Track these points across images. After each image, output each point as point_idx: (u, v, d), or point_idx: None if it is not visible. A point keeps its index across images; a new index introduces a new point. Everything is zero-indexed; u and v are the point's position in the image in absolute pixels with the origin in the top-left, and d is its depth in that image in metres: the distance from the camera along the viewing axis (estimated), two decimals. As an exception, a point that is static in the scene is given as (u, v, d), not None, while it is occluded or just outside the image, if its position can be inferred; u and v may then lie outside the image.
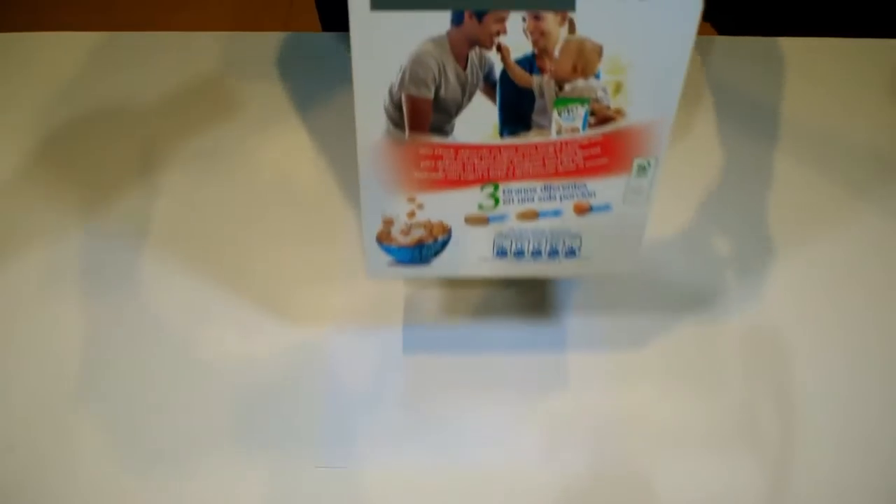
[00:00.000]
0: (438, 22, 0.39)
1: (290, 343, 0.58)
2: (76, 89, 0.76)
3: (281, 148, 0.71)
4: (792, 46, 0.81)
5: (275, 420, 0.54)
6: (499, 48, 0.40)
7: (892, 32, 0.83)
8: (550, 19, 0.39)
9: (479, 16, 0.39)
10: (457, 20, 0.39)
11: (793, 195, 0.68)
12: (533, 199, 0.46)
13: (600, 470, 0.52)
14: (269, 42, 0.81)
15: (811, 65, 0.79)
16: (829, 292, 0.61)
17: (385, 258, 0.49)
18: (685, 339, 0.58)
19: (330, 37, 0.84)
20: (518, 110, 0.42)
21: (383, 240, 0.48)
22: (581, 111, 0.42)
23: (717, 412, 0.55)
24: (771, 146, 0.69)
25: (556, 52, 0.40)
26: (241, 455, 0.53)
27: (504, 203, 0.46)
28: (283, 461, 0.52)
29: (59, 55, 0.80)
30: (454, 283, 0.60)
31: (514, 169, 0.45)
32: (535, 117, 0.42)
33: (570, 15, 0.39)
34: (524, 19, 0.39)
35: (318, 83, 0.78)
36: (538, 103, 0.42)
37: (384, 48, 0.39)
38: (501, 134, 0.43)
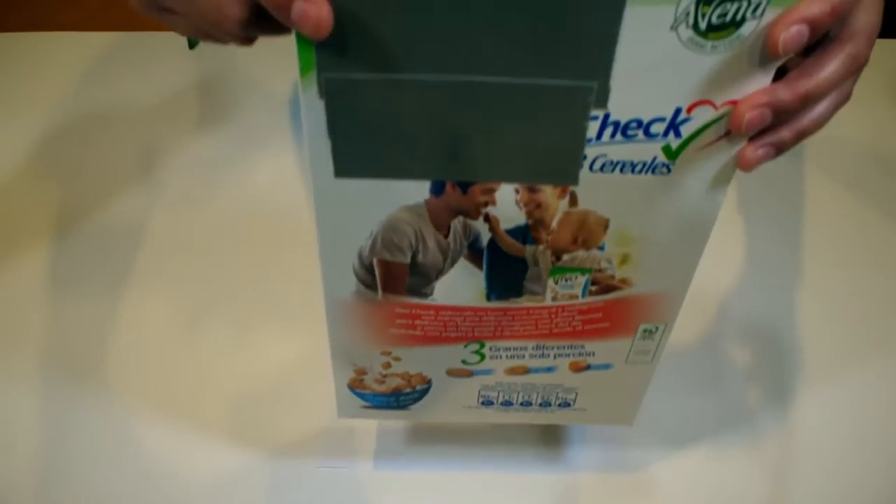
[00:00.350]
0: (414, 191, 0.33)
1: (283, 352, 0.57)
2: (76, 89, 0.77)
3: (281, 149, 0.71)
4: None
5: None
6: (486, 218, 0.34)
7: (893, 32, 0.80)
8: (548, 191, 0.33)
9: (464, 186, 0.33)
10: (436, 190, 0.33)
11: (792, 194, 0.68)
12: (524, 357, 0.41)
13: None
14: (268, 42, 0.79)
15: None
16: (829, 291, 0.60)
17: (358, 401, 0.44)
18: (688, 338, 0.56)
19: None
20: (508, 277, 0.36)
21: (355, 387, 0.43)
22: (581, 280, 0.37)
23: (717, 412, 0.54)
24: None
25: (554, 224, 0.34)
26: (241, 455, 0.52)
27: (491, 359, 0.41)
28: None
29: (59, 55, 0.80)
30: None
31: (502, 330, 0.39)
32: (528, 283, 0.36)
33: (572, 188, 0.33)
34: (516, 190, 0.33)
35: None
36: (531, 270, 0.36)
37: (351, 215, 0.34)
38: (488, 298, 0.37)
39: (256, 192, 0.66)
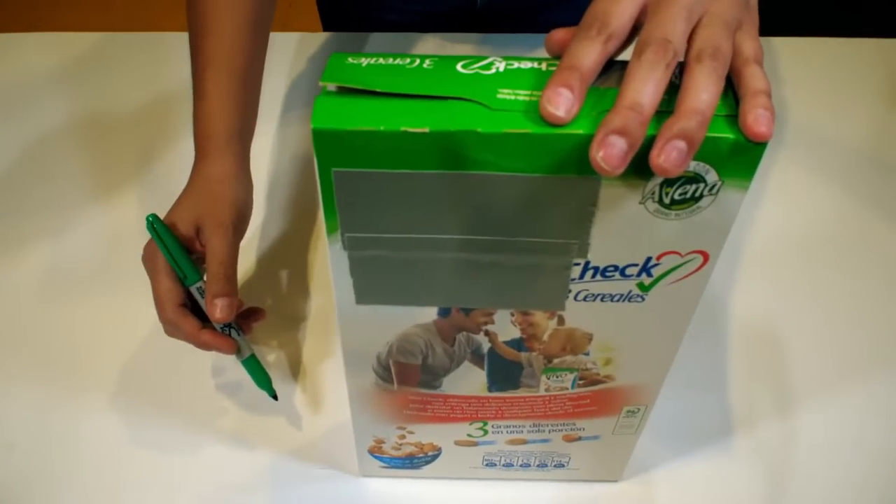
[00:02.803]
0: (424, 313, 0.38)
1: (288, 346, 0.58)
2: (76, 89, 0.78)
3: (280, 147, 0.72)
4: (791, 46, 0.81)
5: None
6: (486, 333, 0.39)
7: (892, 33, 0.83)
8: (539, 314, 0.38)
9: (466, 311, 0.38)
10: (443, 313, 0.38)
11: (791, 194, 0.69)
12: (522, 432, 0.46)
13: None
14: (268, 42, 0.80)
15: (810, 65, 0.80)
16: (829, 292, 0.62)
17: (377, 463, 0.50)
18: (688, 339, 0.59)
19: (330, 37, 0.82)
20: (506, 375, 0.42)
21: (375, 452, 0.49)
22: (570, 377, 0.42)
23: (717, 413, 0.55)
24: (769, 145, 0.69)
25: (545, 337, 0.39)
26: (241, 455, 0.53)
27: (493, 433, 0.46)
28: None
29: (59, 55, 0.81)
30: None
31: (502, 412, 0.45)
32: (524, 379, 0.42)
33: (559, 312, 0.38)
34: (512, 313, 0.38)
35: (318, 83, 0.79)
36: (526, 370, 0.41)
37: (370, 330, 0.39)
38: (489, 390, 0.43)
39: (256, 191, 0.65)
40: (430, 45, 0.81)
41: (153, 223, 0.50)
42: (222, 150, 0.53)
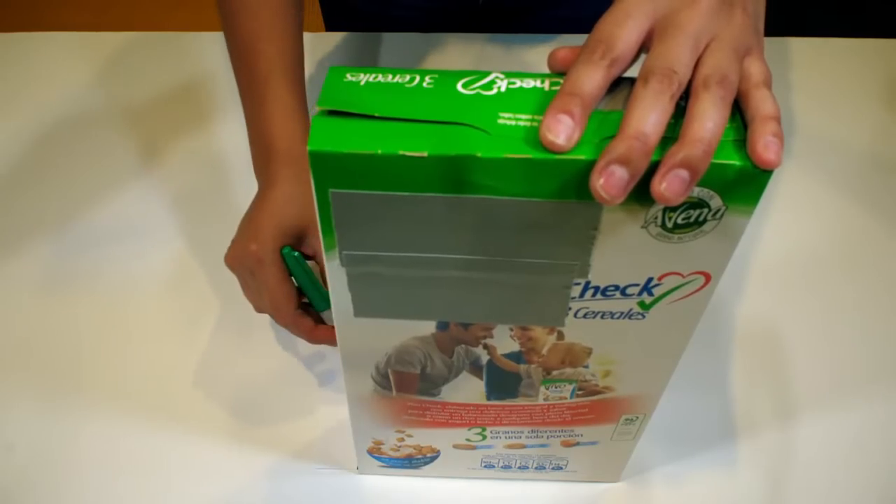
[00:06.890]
0: (423, 327, 0.38)
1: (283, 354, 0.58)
2: (76, 89, 0.78)
3: None
4: (791, 46, 0.81)
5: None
6: (485, 346, 0.39)
7: (891, 33, 0.83)
8: (538, 329, 0.37)
9: (465, 324, 0.38)
10: (442, 326, 0.38)
11: (791, 197, 0.68)
12: (520, 437, 0.46)
13: None
14: None
15: (810, 65, 0.79)
16: (829, 293, 0.62)
17: (376, 462, 0.50)
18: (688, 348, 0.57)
19: (329, 37, 0.82)
20: (505, 385, 0.41)
21: (374, 452, 0.49)
22: (569, 388, 0.42)
23: (716, 415, 0.55)
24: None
25: (544, 351, 0.39)
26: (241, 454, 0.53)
27: (491, 438, 0.47)
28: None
29: (60, 55, 0.81)
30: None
31: (501, 419, 0.45)
32: (522, 389, 0.42)
33: (559, 328, 0.38)
34: (511, 328, 0.38)
35: (318, 83, 0.79)
36: (525, 381, 0.41)
37: (369, 341, 0.39)
38: (488, 398, 0.43)
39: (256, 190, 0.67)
40: (432, 45, 0.80)
41: (296, 258, 0.50)
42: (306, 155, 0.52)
